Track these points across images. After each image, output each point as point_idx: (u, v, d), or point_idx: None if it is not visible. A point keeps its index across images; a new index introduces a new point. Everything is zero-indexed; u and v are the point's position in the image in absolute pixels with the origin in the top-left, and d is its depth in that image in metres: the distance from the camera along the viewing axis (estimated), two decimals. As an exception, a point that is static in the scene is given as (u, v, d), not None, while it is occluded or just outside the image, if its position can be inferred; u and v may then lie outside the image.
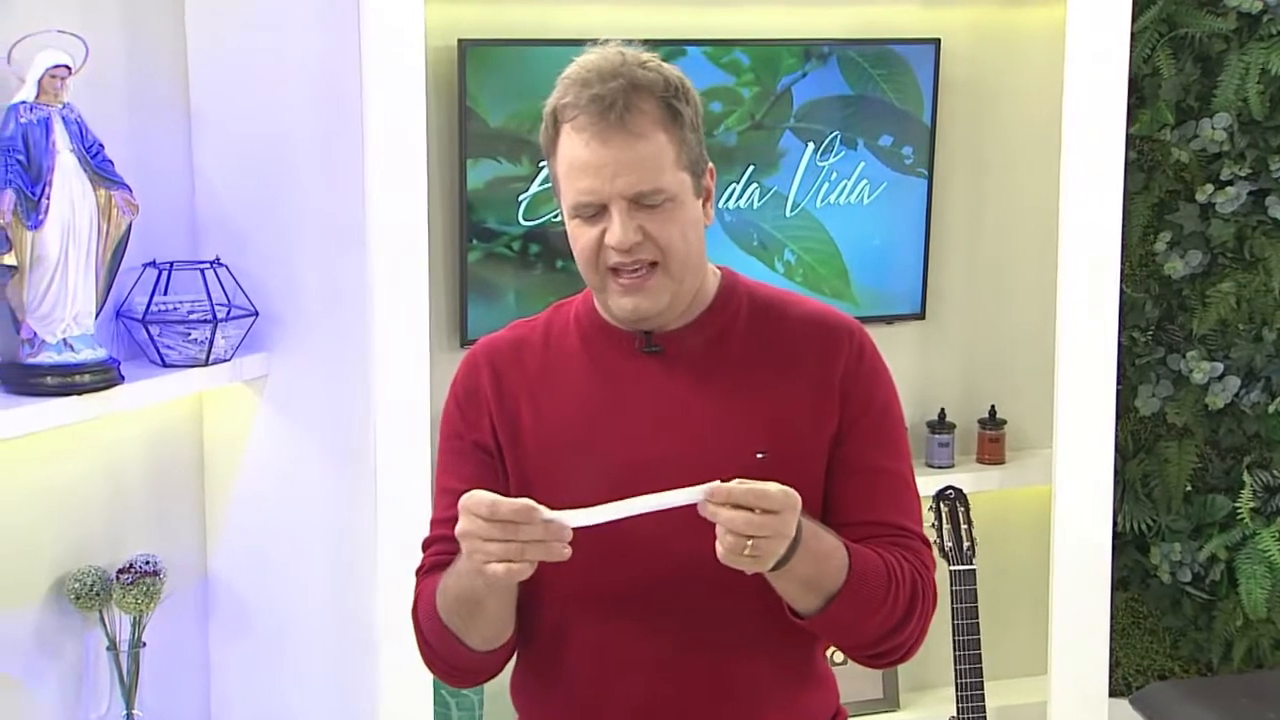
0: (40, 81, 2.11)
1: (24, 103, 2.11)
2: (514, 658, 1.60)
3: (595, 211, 1.49)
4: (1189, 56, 3.13)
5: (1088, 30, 2.83)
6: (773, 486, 1.38)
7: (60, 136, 2.13)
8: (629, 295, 1.50)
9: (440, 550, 1.56)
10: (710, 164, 1.55)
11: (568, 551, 1.37)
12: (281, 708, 2.57)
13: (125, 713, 2.34)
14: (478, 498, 1.38)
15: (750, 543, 1.36)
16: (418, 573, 1.60)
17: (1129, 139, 2.98)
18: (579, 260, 1.52)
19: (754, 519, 1.36)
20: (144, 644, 2.34)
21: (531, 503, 1.37)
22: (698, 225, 1.53)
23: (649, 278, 1.49)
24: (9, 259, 2.10)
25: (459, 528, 1.39)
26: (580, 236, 1.50)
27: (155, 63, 2.43)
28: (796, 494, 1.39)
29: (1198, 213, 3.16)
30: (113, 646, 2.32)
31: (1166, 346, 3.22)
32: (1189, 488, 3.22)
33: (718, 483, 1.37)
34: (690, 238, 1.51)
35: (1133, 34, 2.90)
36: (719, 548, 1.37)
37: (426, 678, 2.43)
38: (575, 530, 1.38)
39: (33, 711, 2.26)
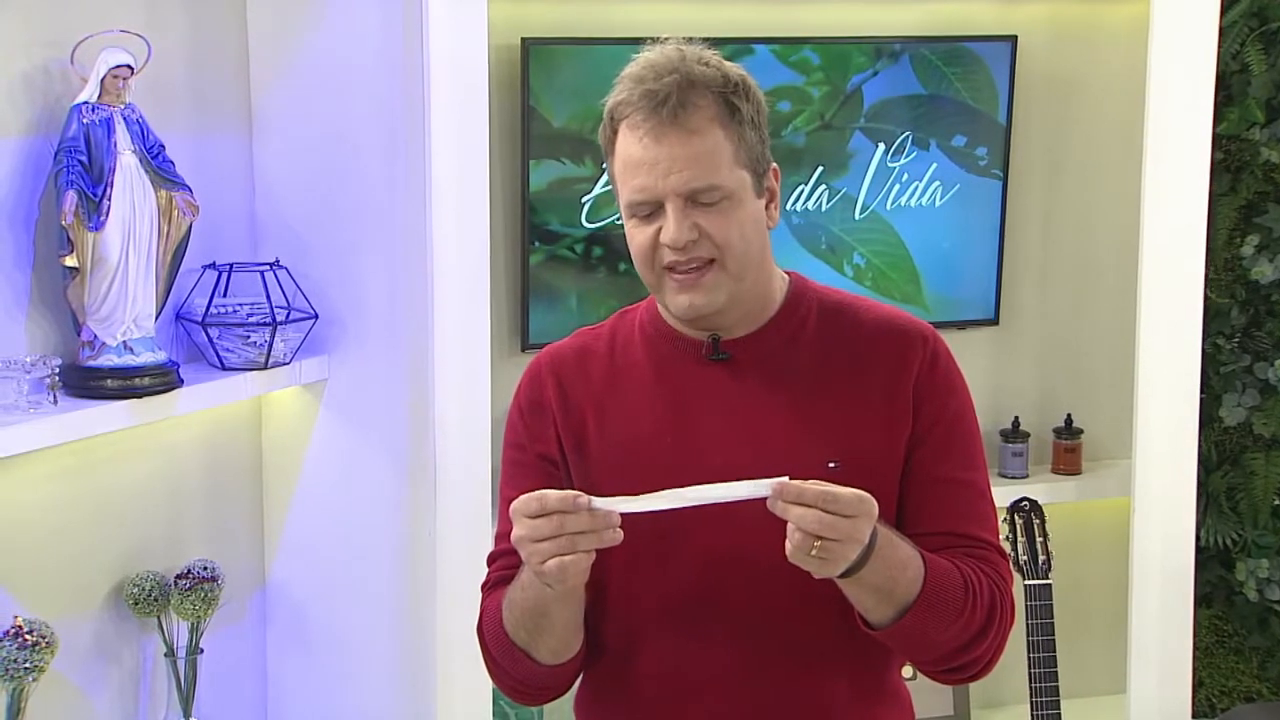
0: (103, 81, 2.10)
1: (86, 103, 2.09)
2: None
3: (651, 210, 1.46)
4: (1280, 52, 3.05)
5: (1173, 25, 2.74)
6: (846, 490, 1.34)
7: (122, 137, 2.12)
8: (685, 292, 1.47)
9: (505, 565, 1.54)
10: (774, 165, 1.51)
11: (619, 535, 1.34)
12: (339, 717, 2.54)
13: (183, 720, 2.33)
14: (526, 498, 1.36)
15: (819, 543, 1.33)
16: (483, 588, 1.57)
17: (1215, 138, 2.89)
18: (636, 260, 1.49)
19: (825, 519, 1.33)
20: (201, 650, 2.32)
21: (577, 493, 1.35)
22: (758, 225, 1.49)
23: (705, 273, 1.46)
24: (70, 260, 2.09)
25: (513, 534, 1.38)
26: (636, 236, 1.48)
27: (217, 62, 2.42)
28: (873, 500, 1.36)
29: (1288, 215, 3.09)
30: (170, 653, 2.31)
31: (1253, 354, 3.15)
32: (1277, 501, 3.13)
33: (786, 478, 1.33)
34: (750, 236, 1.47)
35: (1221, 28, 2.81)
36: (787, 545, 1.34)
37: (486, 688, 2.40)
38: (643, 538, 1.35)
39: (91, 717, 2.25)
